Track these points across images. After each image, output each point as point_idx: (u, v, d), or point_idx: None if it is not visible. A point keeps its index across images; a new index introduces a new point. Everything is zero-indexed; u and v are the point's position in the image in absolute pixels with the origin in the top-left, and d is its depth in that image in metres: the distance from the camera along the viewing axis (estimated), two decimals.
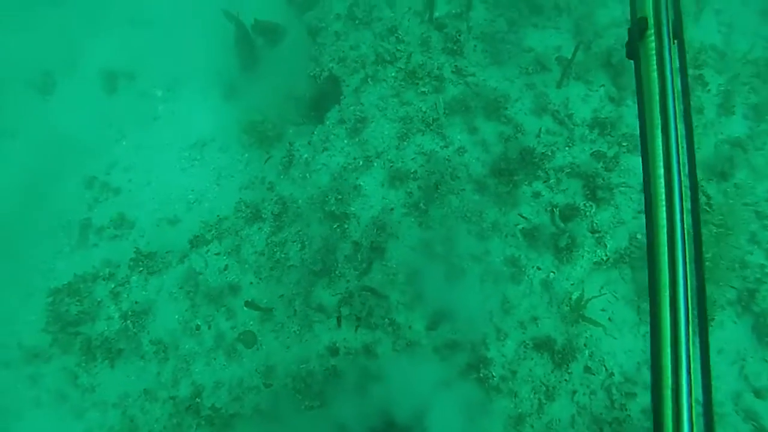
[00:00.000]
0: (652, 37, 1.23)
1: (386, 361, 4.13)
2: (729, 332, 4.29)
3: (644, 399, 4.07)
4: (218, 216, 4.69)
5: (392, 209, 4.53)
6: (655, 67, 1.30)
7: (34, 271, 4.87)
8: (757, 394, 3.99)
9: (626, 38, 1.38)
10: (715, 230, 4.46)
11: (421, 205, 4.50)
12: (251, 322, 4.45)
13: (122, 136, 5.31)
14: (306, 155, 4.79)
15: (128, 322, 4.59)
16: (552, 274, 4.36)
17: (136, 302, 4.60)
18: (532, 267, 4.37)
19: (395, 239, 4.46)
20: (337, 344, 4.26)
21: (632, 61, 1.36)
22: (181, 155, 5.10)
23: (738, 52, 5.01)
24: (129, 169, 5.14)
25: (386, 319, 4.24)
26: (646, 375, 4.20)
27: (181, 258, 4.64)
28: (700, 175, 4.64)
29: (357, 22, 5.08)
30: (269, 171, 4.79)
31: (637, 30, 1.23)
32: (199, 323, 4.49)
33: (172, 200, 4.98)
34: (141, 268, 4.68)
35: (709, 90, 4.90)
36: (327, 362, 4.23)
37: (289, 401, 4.29)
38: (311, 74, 4.96)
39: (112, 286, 4.67)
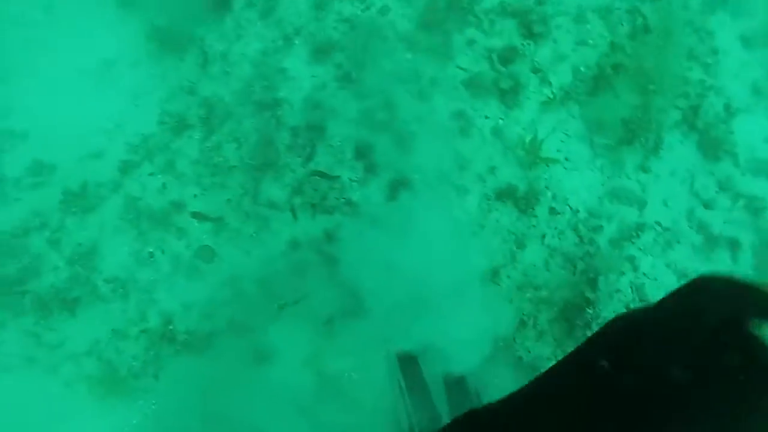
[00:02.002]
0: None
1: (351, 242, 3.96)
2: (678, 153, 4.26)
3: (610, 230, 4.06)
4: (143, 134, 4.30)
5: (324, 85, 4.21)
6: None
7: None
8: (707, 205, 4.01)
9: None
10: (656, 52, 4.29)
11: (353, 75, 4.18)
12: (205, 236, 4.19)
13: (8, 75, 4.73)
14: (221, 48, 4.38)
15: (76, 266, 4.27)
16: (501, 120, 4.18)
17: (79, 244, 4.26)
18: (480, 117, 4.17)
19: (333, 116, 4.18)
20: (298, 237, 4.05)
21: None
22: (86, 82, 4.60)
23: None
24: (30, 109, 4.62)
25: (342, 200, 4.03)
26: (609, 207, 4.17)
27: (114, 188, 4.28)
28: None
29: None
30: (187, 74, 4.37)
31: None
32: (150, 250, 4.20)
33: (89, 133, 4.54)
34: (74, 209, 4.31)
35: None
36: (291, 258, 4.03)
37: (261, 305, 4.12)
38: None
39: (48, 234, 4.32)
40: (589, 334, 3.64)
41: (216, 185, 4.21)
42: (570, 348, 3.57)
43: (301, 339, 4.04)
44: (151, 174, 4.34)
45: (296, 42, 4.31)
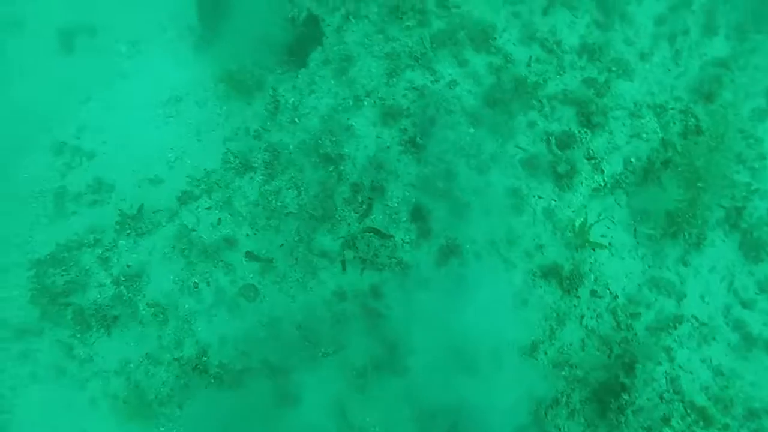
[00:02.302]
0: None
1: (396, 300, 4.05)
2: (719, 250, 4.37)
3: (648, 318, 4.13)
4: (205, 170, 4.47)
5: (388, 147, 4.40)
6: None
7: (8, 245, 4.57)
8: (744, 305, 4.09)
9: None
10: (705, 152, 4.45)
11: (418, 140, 4.37)
12: (251, 276, 4.30)
13: (88, 98, 4.97)
14: (293, 99, 4.60)
15: (121, 287, 4.38)
16: (553, 202, 4.33)
17: (127, 266, 4.39)
18: (534, 196, 4.33)
19: (394, 177, 4.34)
20: (344, 289, 4.15)
21: None
22: (154, 113, 4.83)
23: None
24: (100, 131, 4.85)
25: (393, 259, 4.14)
26: (648, 296, 4.25)
27: (170, 216, 4.43)
28: (687, 97, 4.64)
29: None
30: (252, 119, 4.57)
31: None
32: (196, 281, 4.30)
33: (151, 160, 4.74)
34: (128, 231, 4.46)
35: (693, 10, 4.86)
36: (334, 308, 4.11)
37: (297, 350, 4.18)
38: (288, 16, 4.70)
39: (100, 251, 4.44)
40: (622, 419, 3.68)
41: (270, 228, 4.34)
42: (602, 430, 3.55)
43: (332, 387, 4.09)
44: (208, 208, 4.48)
45: (366, 103, 4.53)
